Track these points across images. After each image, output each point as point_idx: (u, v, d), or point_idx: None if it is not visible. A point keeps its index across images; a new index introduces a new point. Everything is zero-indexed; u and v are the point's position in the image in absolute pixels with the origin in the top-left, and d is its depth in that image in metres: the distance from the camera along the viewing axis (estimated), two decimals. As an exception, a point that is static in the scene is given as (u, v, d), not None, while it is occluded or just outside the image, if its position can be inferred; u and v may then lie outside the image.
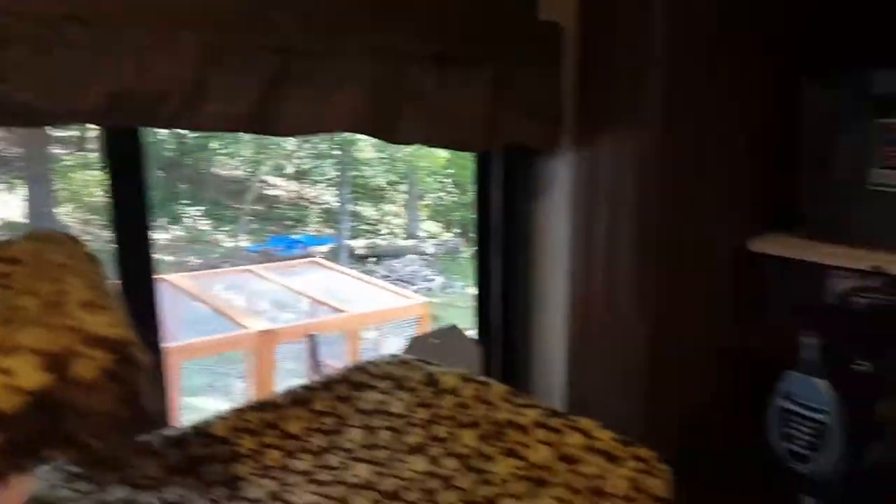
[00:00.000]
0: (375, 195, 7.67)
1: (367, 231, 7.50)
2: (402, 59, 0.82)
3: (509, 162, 1.04)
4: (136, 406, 0.51)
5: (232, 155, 7.53)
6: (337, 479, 0.54)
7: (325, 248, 6.59)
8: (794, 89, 0.90)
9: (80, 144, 6.58)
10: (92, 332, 0.49)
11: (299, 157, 7.56)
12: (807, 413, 0.72)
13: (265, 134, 0.80)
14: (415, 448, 0.60)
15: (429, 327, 2.77)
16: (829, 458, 0.71)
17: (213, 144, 7.31)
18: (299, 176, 7.68)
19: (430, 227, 7.58)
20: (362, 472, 0.55)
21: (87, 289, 0.53)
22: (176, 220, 6.92)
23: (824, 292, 0.83)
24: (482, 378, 0.69)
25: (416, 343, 1.02)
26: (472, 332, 1.14)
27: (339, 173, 7.42)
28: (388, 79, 0.78)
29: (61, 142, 6.43)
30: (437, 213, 7.69)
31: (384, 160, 7.42)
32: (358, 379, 0.70)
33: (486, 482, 0.53)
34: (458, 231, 7.16)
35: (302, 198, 7.69)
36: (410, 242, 7.18)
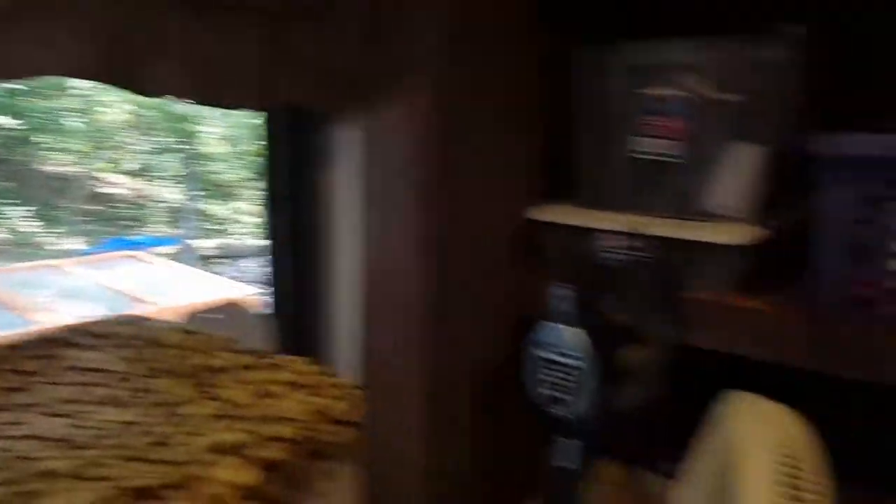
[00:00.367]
0: (225, 192, 7.41)
1: (217, 230, 7.21)
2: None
3: (297, 126, 1.02)
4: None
5: (61, 150, 6.95)
6: (29, 433, 0.51)
7: (168, 250, 6.26)
8: (568, 59, 0.96)
9: None
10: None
11: (138, 152, 7.11)
12: (561, 360, 0.75)
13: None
14: (120, 401, 0.56)
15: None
16: (583, 401, 0.75)
17: (39, 138, 6.71)
18: (139, 172, 7.24)
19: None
20: (58, 426, 0.51)
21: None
22: (-2, 222, 6.30)
23: (593, 254, 0.89)
24: (207, 332, 0.68)
25: (195, 320, 0.98)
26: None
27: (184, 169, 7.07)
28: (123, 17, 0.73)
29: None
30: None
31: (237, 154, 7.14)
32: (74, 338, 0.66)
33: (184, 426, 0.51)
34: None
35: (143, 196, 7.26)
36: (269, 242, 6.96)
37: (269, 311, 1.10)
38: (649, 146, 0.90)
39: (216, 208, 7.39)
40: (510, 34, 0.96)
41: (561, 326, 0.74)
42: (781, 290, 0.88)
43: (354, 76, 0.93)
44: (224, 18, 0.80)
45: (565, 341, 0.74)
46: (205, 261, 6.39)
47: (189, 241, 6.56)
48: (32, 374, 0.62)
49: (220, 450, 0.49)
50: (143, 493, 0.44)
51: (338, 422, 0.56)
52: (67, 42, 0.70)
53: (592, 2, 1.00)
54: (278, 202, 1.07)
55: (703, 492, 0.74)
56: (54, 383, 0.60)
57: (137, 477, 0.45)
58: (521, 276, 0.98)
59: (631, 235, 0.86)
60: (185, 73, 0.78)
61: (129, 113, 6.62)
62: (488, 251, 0.97)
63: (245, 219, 7.37)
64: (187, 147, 6.95)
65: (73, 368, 0.62)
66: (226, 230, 7.25)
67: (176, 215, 7.14)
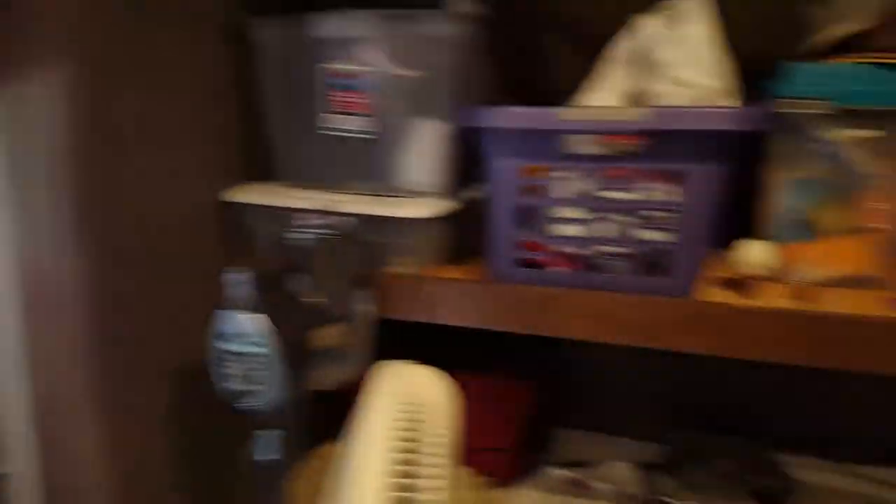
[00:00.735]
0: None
1: None
2: None
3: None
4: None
5: None
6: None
7: None
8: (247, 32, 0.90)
9: None
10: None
11: None
12: (245, 349, 0.71)
13: None
14: None
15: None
16: (274, 390, 0.71)
17: None
18: None
19: None
20: None
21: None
22: None
23: (288, 234, 0.85)
24: None
25: None
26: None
27: None
28: None
29: None
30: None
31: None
32: None
33: None
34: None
35: None
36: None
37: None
38: (339, 122, 0.89)
39: None
40: (184, 7, 0.87)
41: (239, 314, 0.70)
42: (477, 259, 0.93)
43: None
44: None
45: (246, 329, 0.69)
46: None
47: None
48: None
49: None
50: None
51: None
52: None
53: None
54: None
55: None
56: None
57: None
58: (218, 264, 0.92)
59: (325, 214, 0.83)
60: None
61: None
62: (174, 238, 0.89)
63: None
64: None
65: None
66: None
67: None
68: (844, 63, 0.79)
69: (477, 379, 1.13)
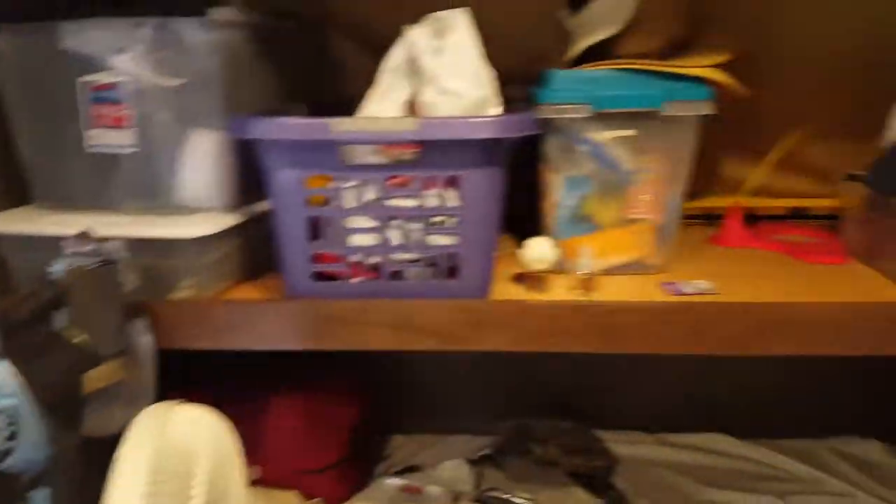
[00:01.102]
0: None
1: None
2: None
3: None
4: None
5: None
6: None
7: None
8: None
9: None
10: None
11: None
12: (-13, 405, 0.62)
13: None
14: None
15: None
16: (31, 445, 0.63)
17: None
18: None
19: None
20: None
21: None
22: None
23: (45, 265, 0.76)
24: None
25: None
26: None
27: None
28: None
29: None
30: None
31: None
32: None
33: None
34: None
35: None
36: None
37: None
38: (101, 138, 0.81)
39: None
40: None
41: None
42: (269, 274, 0.89)
43: None
44: None
45: (-9, 381, 0.61)
46: None
47: None
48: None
49: None
50: None
51: None
52: None
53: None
54: None
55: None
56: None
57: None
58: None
59: (90, 239, 0.75)
60: None
61: None
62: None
63: None
64: None
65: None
66: None
67: None
68: (598, 69, 0.84)
69: (295, 396, 1.09)
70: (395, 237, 0.78)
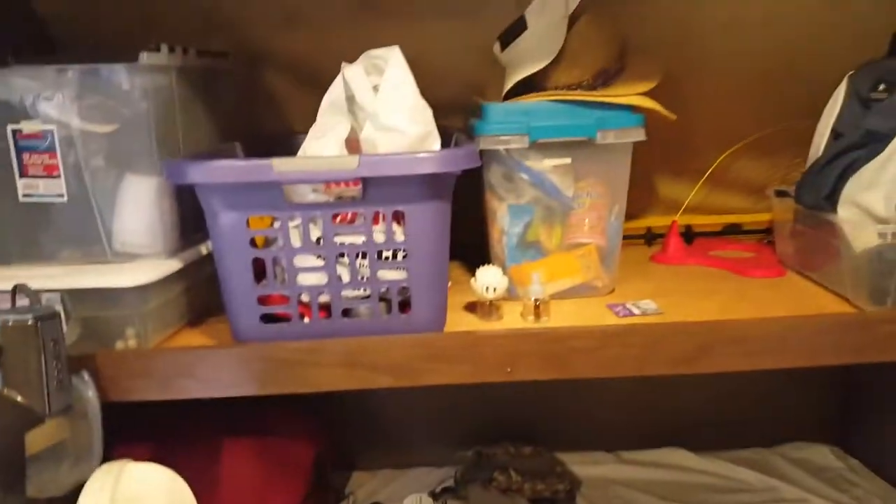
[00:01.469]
0: None
1: None
2: None
3: None
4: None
5: None
6: None
7: None
8: None
9: None
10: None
11: None
12: None
13: None
14: None
15: None
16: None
17: None
18: None
19: None
20: None
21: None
22: None
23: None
24: None
25: None
26: None
27: None
28: None
29: None
30: None
31: None
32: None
33: None
34: None
35: None
36: None
37: None
38: (33, 187, 0.78)
39: None
40: None
41: None
42: (216, 317, 0.87)
43: None
44: None
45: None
46: None
47: None
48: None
49: None
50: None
51: None
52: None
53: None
54: None
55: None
56: None
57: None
58: None
59: (25, 294, 0.72)
60: None
61: None
62: None
63: None
64: None
65: None
66: None
67: None
68: (533, 101, 0.87)
69: (251, 438, 1.06)
70: (344, 274, 0.77)
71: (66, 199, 0.79)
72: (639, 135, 0.85)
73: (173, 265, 0.81)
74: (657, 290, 0.92)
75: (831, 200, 0.86)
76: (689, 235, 1.14)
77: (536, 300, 0.82)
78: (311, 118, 0.83)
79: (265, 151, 0.75)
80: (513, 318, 0.84)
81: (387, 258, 0.77)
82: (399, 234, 0.76)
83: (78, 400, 0.73)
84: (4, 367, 0.67)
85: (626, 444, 1.33)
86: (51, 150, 0.77)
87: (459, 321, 0.84)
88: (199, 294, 0.88)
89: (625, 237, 0.93)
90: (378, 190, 0.74)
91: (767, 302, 0.87)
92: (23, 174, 0.78)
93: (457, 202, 0.78)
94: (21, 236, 0.81)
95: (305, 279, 0.78)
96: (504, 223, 0.88)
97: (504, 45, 0.91)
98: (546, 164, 0.85)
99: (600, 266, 0.90)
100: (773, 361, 0.80)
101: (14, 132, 0.77)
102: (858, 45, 0.91)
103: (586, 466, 1.26)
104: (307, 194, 0.75)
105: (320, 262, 0.77)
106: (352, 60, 0.82)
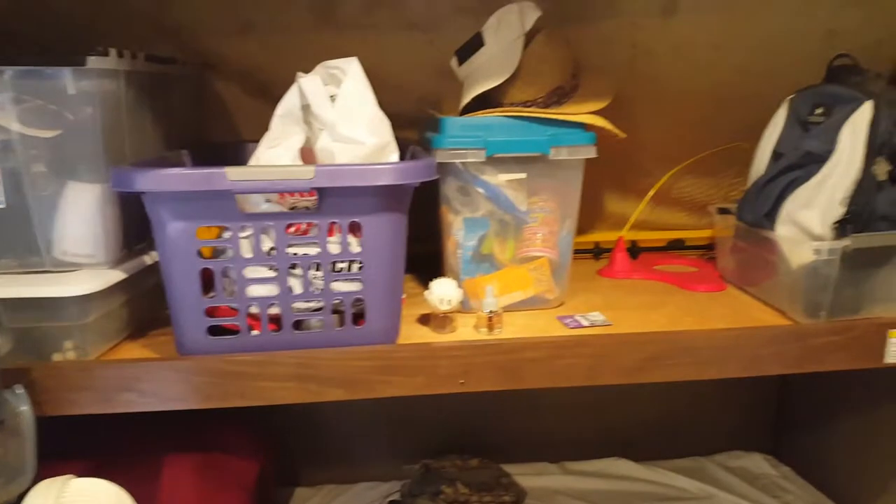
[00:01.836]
0: None
1: None
2: None
3: None
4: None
5: None
6: None
7: None
8: None
9: None
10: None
11: None
12: None
13: None
14: None
15: None
16: None
17: None
18: None
19: None
20: None
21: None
22: None
23: None
24: None
25: None
26: None
27: None
28: None
29: None
30: None
31: None
32: None
33: None
34: None
35: None
36: None
37: None
38: (-34, 193, 0.74)
39: None
40: None
41: None
42: (161, 329, 0.84)
43: None
44: None
45: None
46: None
47: None
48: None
49: None
50: None
51: None
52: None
53: None
54: None
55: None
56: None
57: None
58: None
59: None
60: None
61: None
62: None
63: None
64: None
65: None
66: None
67: None
68: (489, 116, 0.88)
69: (191, 454, 1.03)
70: (296, 286, 0.76)
71: (3, 205, 0.75)
72: (590, 152, 0.87)
73: (116, 275, 0.78)
74: (605, 302, 0.94)
75: (770, 218, 0.90)
76: (634, 250, 1.18)
77: (490, 312, 0.83)
78: (261, 128, 0.82)
79: (213, 160, 0.73)
80: (466, 331, 0.84)
81: (341, 270, 0.77)
82: (355, 246, 0.75)
83: (10, 415, 0.70)
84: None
85: (570, 456, 1.35)
86: (-13, 154, 0.73)
87: (413, 333, 0.84)
88: (143, 306, 0.86)
89: (574, 252, 0.95)
90: (334, 200, 0.73)
91: (710, 315, 0.90)
92: (-46, 179, 0.74)
93: (411, 215, 0.78)
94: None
95: (255, 291, 0.76)
96: (459, 236, 0.89)
97: (461, 61, 0.92)
98: (501, 179, 0.86)
99: (552, 279, 0.91)
100: (717, 371, 0.83)
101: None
102: (798, 71, 0.96)
103: (532, 477, 1.27)
104: (260, 204, 0.73)
105: (272, 274, 0.76)
106: (306, 71, 0.81)
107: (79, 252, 0.78)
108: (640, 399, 1.33)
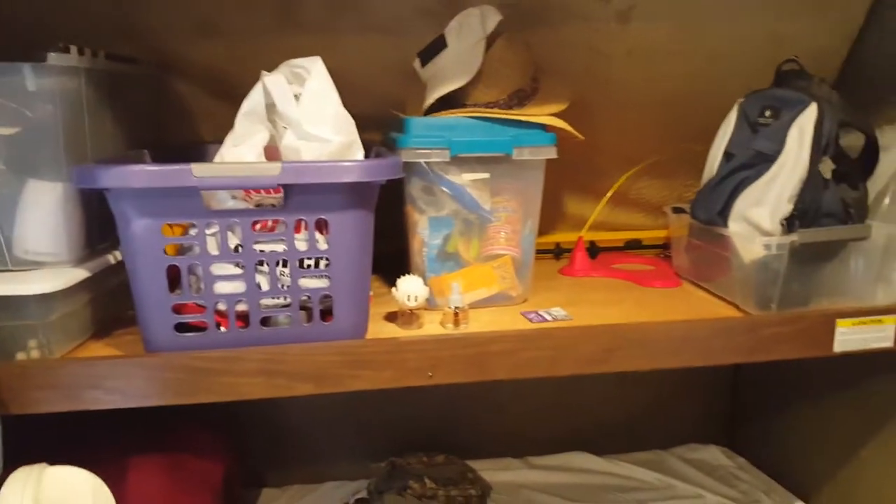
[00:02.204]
0: None
1: None
2: None
3: None
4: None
5: None
6: None
7: None
8: None
9: None
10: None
11: None
12: None
13: None
14: None
15: None
16: None
17: None
18: None
19: None
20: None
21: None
22: None
23: None
24: None
25: None
26: None
27: None
28: None
29: None
30: None
31: None
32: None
33: None
34: None
35: None
36: None
37: None
38: (-76, 191, 0.73)
39: None
40: None
41: None
42: (127, 327, 0.84)
43: None
44: None
45: None
46: None
47: None
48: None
49: None
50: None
51: None
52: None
53: None
54: None
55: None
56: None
57: None
58: None
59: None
60: None
61: None
62: None
63: None
64: None
65: None
66: None
67: None
68: (453, 117, 0.90)
69: (156, 454, 1.02)
70: (263, 282, 0.76)
71: (-42, 203, 0.74)
72: (551, 153, 0.90)
73: (79, 274, 0.77)
74: (566, 299, 0.97)
75: (723, 216, 0.94)
76: (593, 250, 1.21)
77: (456, 308, 0.85)
78: (222, 129, 0.82)
79: (174, 160, 0.73)
80: (433, 327, 0.86)
81: (308, 266, 0.78)
82: (322, 243, 0.76)
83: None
84: None
85: (533, 450, 1.38)
86: (-56, 151, 0.72)
87: (380, 330, 0.85)
88: (108, 305, 0.85)
89: (536, 252, 0.97)
90: (300, 198, 0.74)
91: (666, 309, 0.93)
92: (-88, 176, 0.73)
93: (377, 215, 0.79)
94: None
95: (222, 287, 0.76)
96: (424, 235, 0.90)
97: (424, 62, 0.94)
98: (465, 178, 0.88)
99: (515, 276, 0.93)
100: (672, 361, 0.86)
101: None
102: (747, 76, 1.01)
103: (497, 472, 1.29)
104: (226, 201, 0.74)
105: (238, 271, 0.76)
106: (269, 71, 0.82)
107: (40, 250, 0.77)
108: (601, 397, 1.36)
